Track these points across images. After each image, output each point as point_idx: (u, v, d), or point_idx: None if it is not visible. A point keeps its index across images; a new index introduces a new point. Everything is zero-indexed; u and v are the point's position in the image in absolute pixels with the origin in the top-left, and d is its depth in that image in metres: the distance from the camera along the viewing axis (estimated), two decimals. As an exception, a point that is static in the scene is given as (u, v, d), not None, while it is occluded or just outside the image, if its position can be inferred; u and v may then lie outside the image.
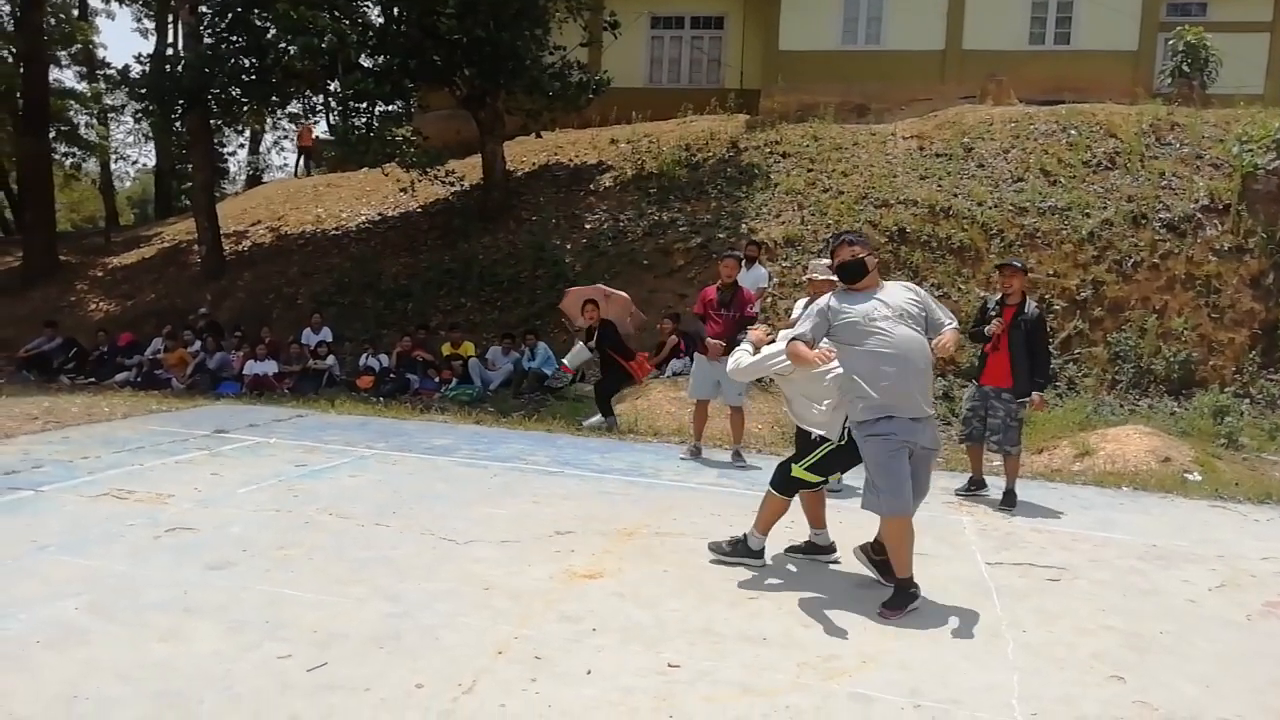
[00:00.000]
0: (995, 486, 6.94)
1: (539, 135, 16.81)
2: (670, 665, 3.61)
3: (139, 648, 3.57)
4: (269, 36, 14.53)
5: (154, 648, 3.57)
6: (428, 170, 14.83)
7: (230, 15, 15.01)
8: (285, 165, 30.16)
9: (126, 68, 15.36)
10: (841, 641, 3.93)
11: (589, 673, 3.50)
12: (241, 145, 32.35)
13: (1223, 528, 6.32)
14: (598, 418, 9.35)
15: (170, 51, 21.12)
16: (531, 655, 3.62)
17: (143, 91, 15.08)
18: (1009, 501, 6.60)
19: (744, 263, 10.71)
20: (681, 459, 7.93)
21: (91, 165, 29.21)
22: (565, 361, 10.21)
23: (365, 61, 15.00)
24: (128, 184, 46.03)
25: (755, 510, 4.96)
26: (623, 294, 10.61)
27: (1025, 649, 3.95)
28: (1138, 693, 3.56)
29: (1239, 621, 4.47)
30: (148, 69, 15.25)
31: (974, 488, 6.93)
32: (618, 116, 17.80)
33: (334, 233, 17.46)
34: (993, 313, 6.66)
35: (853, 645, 3.89)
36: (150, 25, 28.29)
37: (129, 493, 5.87)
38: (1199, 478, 7.73)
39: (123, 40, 67.83)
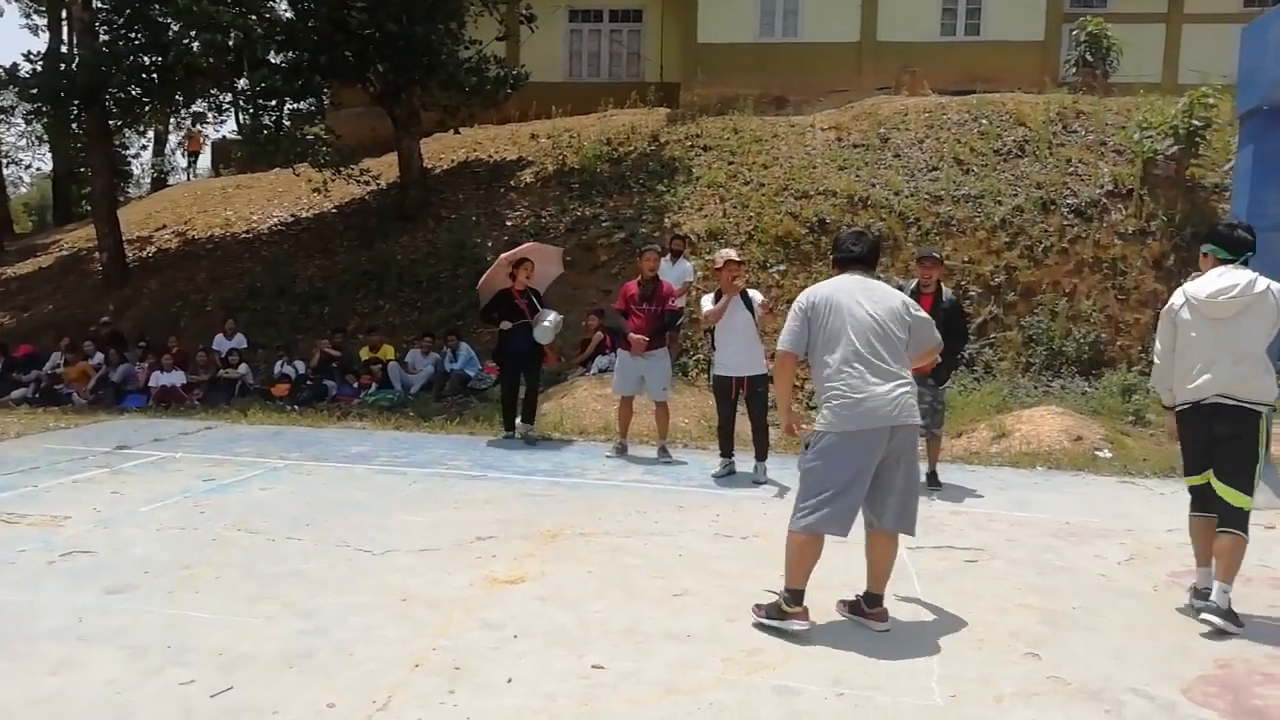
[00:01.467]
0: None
1: (457, 131, 16.52)
2: (594, 667, 3.55)
3: (28, 681, 3.35)
4: (170, 32, 13.95)
5: (45, 680, 3.35)
6: (341, 169, 14.45)
7: (128, 10, 14.37)
8: (189, 167, 28.99)
9: (14, 66, 14.56)
10: (766, 635, 3.91)
11: (510, 681, 3.42)
12: (144, 147, 31.12)
13: (1131, 502, 6.53)
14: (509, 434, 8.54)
15: (64, 49, 20.06)
16: (450, 666, 3.52)
17: (34, 91, 14.33)
18: (933, 482, 6.76)
19: (669, 257, 10.73)
20: (607, 457, 7.87)
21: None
22: (539, 339, 8.34)
23: (274, 57, 14.52)
24: (23, 190, 43.88)
25: (679, 505, 4.89)
26: (551, 247, 9.83)
27: (944, 631, 4.00)
28: (1052, 668, 3.63)
29: (1146, 593, 4.61)
30: (38, 67, 14.47)
31: None
32: (538, 111, 17.63)
33: (245, 236, 16.89)
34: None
35: (776, 639, 3.88)
36: (41, 22, 26.94)
37: (20, 516, 5.55)
38: (1109, 455, 7.98)
39: (13, 38, 64.46)
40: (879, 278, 4.37)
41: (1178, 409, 4.35)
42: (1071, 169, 12.46)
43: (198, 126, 24.50)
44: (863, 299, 4.06)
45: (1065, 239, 11.58)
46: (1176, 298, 4.37)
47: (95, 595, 4.22)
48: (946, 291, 6.85)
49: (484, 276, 8.79)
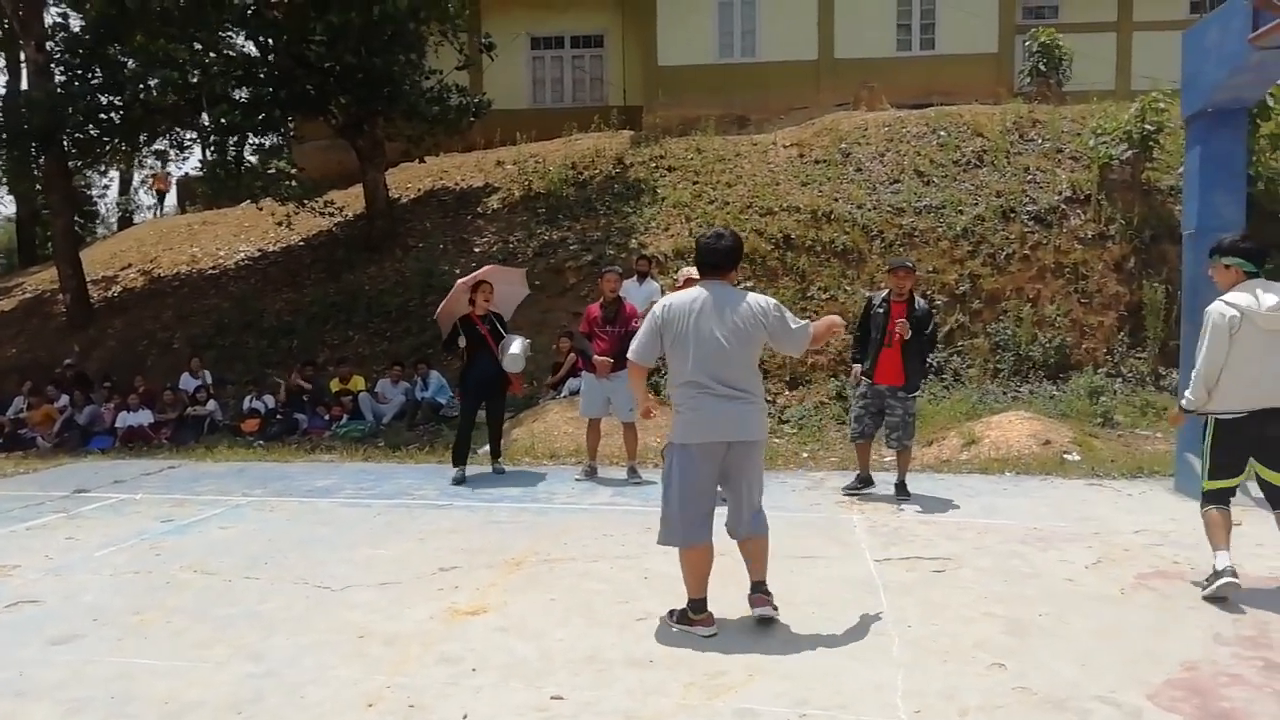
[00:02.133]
0: (882, 481, 7.05)
1: (422, 161, 16.48)
2: (553, 699, 3.47)
3: (-39, 741, 3.24)
4: (126, 71, 13.85)
5: (-22, 739, 3.24)
6: (305, 202, 14.36)
7: (82, 50, 14.27)
8: (153, 205, 28.73)
9: (-33, 109, 14.40)
10: (729, 656, 3.85)
11: (465, 717, 3.33)
12: (106, 187, 30.84)
13: (1099, 505, 6.54)
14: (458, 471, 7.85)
15: (22, 89, 19.87)
16: (405, 704, 3.43)
17: (-11, 135, 14.17)
18: (902, 492, 6.76)
19: (636, 278, 10.73)
20: (577, 480, 7.80)
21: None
22: (508, 367, 7.79)
23: (236, 93, 14.45)
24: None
25: (647, 527, 4.81)
26: (512, 269, 9.31)
27: (910, 644, 3.96)
28: (1017, 678, 3.59)
29: (1114, 596, 4.59)
30: (-8, 110, 14.32)
31: (862, 485, 7.02)
32: (502, 138, 17.62)
33: (211, 272, 16.74)
34: (879, 309, 6.71)
35: (740, 659, 3.82)
36: (-3, 63, 26.66)
37: (-33, 567, 5.41)
38: (1078, 457, 8.01)
39: (-23, 83, 63.68)
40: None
41: (1225, 417, 4.52)
42: (1030, 177, 12.60)
43: (164, 167, 24.29)
44: (713, 314, 4.09)
45: (1027, 246, 11.68)
46: (1229, 310, 4.47)
47: (39, 647, 4.09)
48: (919, 300, 6.84)
49: (442, 304, 8.24)
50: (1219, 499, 4.62)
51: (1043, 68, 15.66)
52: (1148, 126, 11.85)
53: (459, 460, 7.88)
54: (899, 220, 12.27)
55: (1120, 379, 10.29)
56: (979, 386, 10.36)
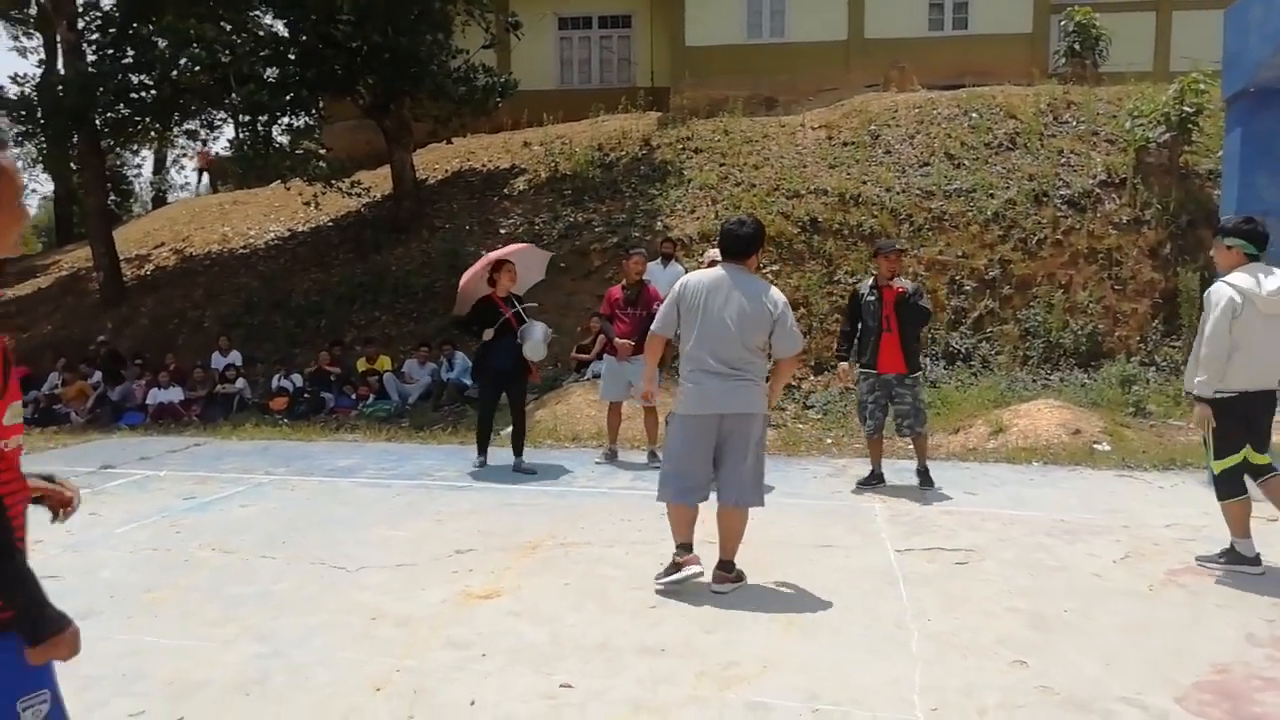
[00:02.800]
0: (892, 471, 6.93)
1: (449, 141, 16.48)
2: (562, 686, 3.43)
3: (-27, 716, 3.25)
4: (156, 50, 13.93)
5: (-11, 715, 3.25)
6: (333, 183, 14.39)
7: (114, 30, 14.36)
8: (187, 184, 29.00)
9: (1, 88, 14.56)
10: (743, 647, 3.78)
11: (472, 703, 3.30)
12: (139, 165, 31.17)
13: (1129, 497, 6.38)
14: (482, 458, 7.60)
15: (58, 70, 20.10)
16: (411, 689, 3.40)
17: (22, 113, 14.31)
18: (926, 481, 6.61)
19: (660, 260, 10.63)
20: (597, 464, 7.76)
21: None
22: (529, 355, 7.41)
23: (264, 73, 14.49)
24: (33, 212, 44.08)
25: (665, 513, 4.77)
26: (539, 250, 8.89)
27: (929, 638, 3.86)
28: (1039, 676, 3.49)
29: (1142, 592, 4.46)
30: (26, 89, 14.46)
31: (876, 481, 6.74)
32: (529, 119, 17.54)
33: (242, 251, 16.86)
34: (870, 297, 6.50)
35: (754, 650, 3.75)
36: (30, 43, 26.99)
37: (-9, 542, 5.45)
38: (1108, 448, 7.83)
39: (10, 62, 64.59)
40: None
41: (1224, 396, 4.54)
42: (1064, 160, 12.31)
43: (204, 145, 24.45)
44: (725, 298, 4.36)
45: (1059, 230, 11.42)
46: (1231, 293, 4.48)
47: (55, 623, 4.11)
48: (908, 282, 6.64)
49: (462, 281, 7.82)
50: (1235, 484, 4.65)
51: (1078, 48, 15.27)
52: (1186, 108, 11.52)
53: (483, 448, 7.63)
54: (928, 204, 12.05)
55: (1153, 368, 10.05)
56: (1008, 374, 10.17)
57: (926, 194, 12.16)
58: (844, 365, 6.81)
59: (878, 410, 6.62)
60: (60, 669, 3.58)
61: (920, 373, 6.66)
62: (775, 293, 4.43)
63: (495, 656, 3.69)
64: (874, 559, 4.98)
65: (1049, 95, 13.58)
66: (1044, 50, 17.36)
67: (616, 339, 7.63)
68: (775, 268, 11.79)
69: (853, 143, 13.62)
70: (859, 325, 6.62)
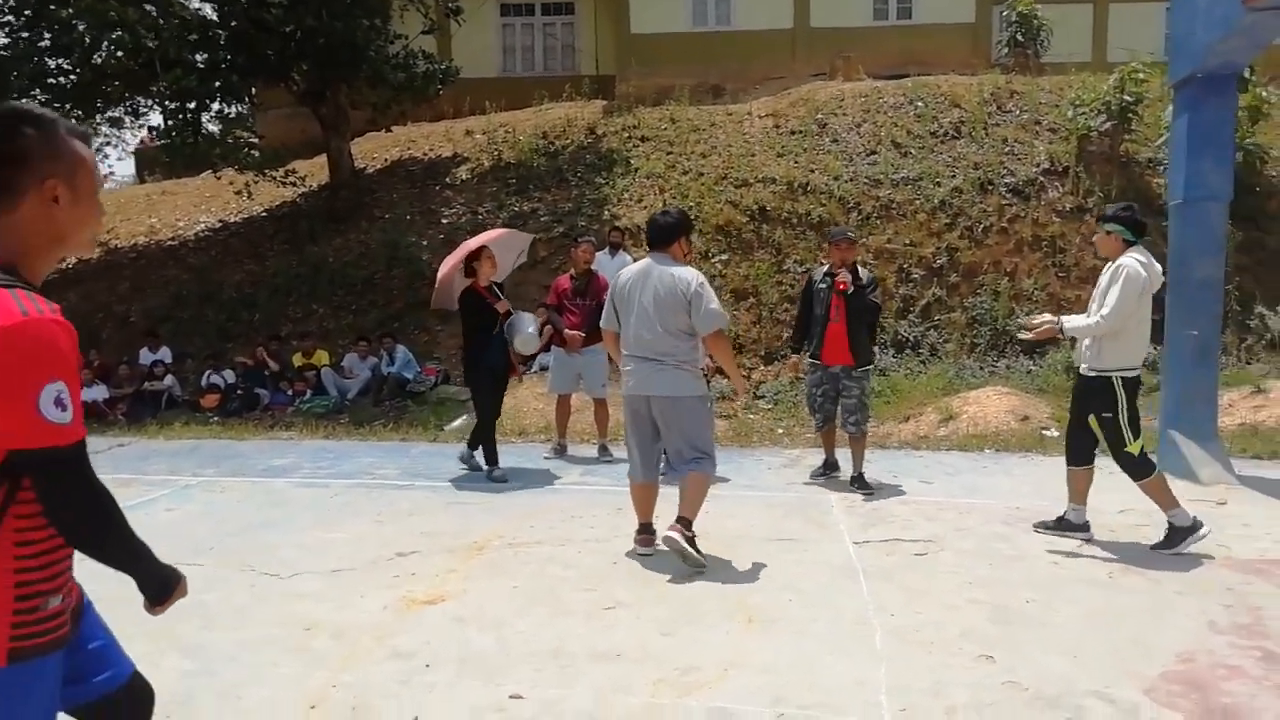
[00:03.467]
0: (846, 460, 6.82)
1: (389, 130, 16.05)
2: (511, 698, 3.22)
3: None
4: (76, 34, 13.23)
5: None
6: (266, 172, 13.87)
7: (28, 11, 13.61)
8: (112, 174, 27.82)
9: (-94, 72, 13.70)
10: (702, 648, 3.62)
11: (416, 719, 3.08)
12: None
13: (1081, 483, 6.36)
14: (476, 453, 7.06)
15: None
16: (349, 706, 3.16)
17: (-71, 98, 13.52)
18: (861, 485, 6.19)
19: (608, 250, 10.43)
20: (545, 458, 7.54)
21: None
22: (521, 349, 7.03)
23: (192, 58, 13.87)
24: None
25: (618, 508, 4.60)
26: (505, 230, 8.32)
27: (893, 634, 3.75)
28: (1006, 672, 3.39)
29: (1101, 580, 4.41)
30: (-68, 73, 13.65)
31: (828, 470, 6.57)
32: (472, 107, 17.16)
33: (170, 243, 16.20)
34: (821, 284, 6.23)
35: (714, 652, 3.59)
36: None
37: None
38: (1056, 434, 7.85)
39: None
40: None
41: (1132, 374, 4.78)
42: (1008, 148, 12.40)
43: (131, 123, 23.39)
44: (647, 286, 4.63)
45: (1005, 218, 11.49)
46: (1141, 270, 4.61)
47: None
48: (864, 271, 6.29)
49: (440, 273, 7.25)
50: (1148, 461, 4.90)
51: (1020, 38, 15.43)
52: (1126, 98, 11.69)
53: (494, 456, 6.84)
54: (876, 192, 12.03)
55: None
56: (956, 361, 10.20)
57: (874, 182, 12.15)
58: (795, 357, 6.68)
59: (826, 402, 6.33)
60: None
61: (870, 367, 6.34)
62: (690, 274, 4.60)
63: (440, 667, 3.47)
64: (832, 552, 4.86)
65: (992, 85, 13.68)
66: (987, 40, 17.52)
67: (566, 330, 7.41)
68: (724, 257, 11.67)
69: (800, 131, 13.56)
70: (811, 313, 6.33)
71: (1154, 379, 9.20)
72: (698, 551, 4.55)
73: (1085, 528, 5.08)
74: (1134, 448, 4.78)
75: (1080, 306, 10.70)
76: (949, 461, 7.17)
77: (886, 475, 6.59)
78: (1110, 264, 4.76)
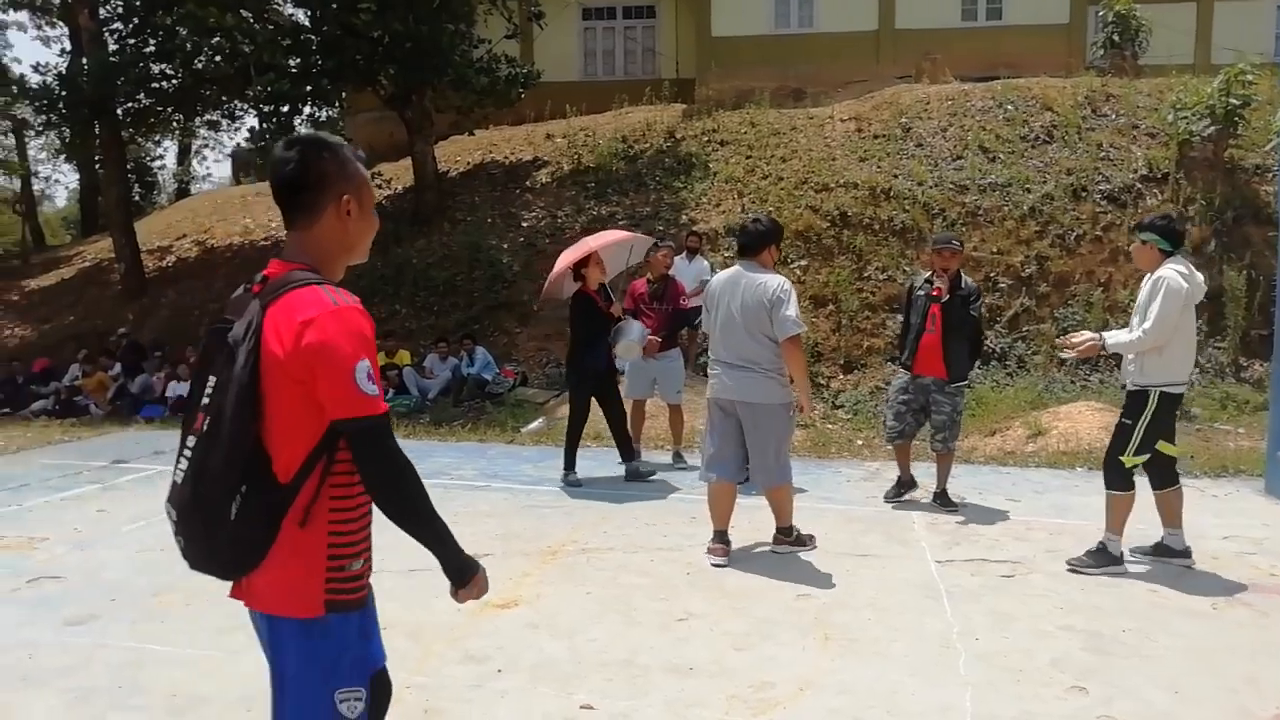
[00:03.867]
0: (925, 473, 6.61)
1: (471, 133, 16.29)
2: (583, 708, 3.20)
3: (-41, 731, 3.07)
4: (178, 40, 13.80)
5: (-25, 730, 3.06)
6: (353, 174, 14.21)
7: (135, 19, 14.25)
8: (210, 175, 28.98)
9: (22, 78, 14.49)
10: (777, 666, 3.54)
11: (487, 725, 3.07)
12: (160, 157, 31.22)
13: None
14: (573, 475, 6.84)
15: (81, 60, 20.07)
16: (421, 708, 3.18)
17: (43, 103, 14.24)
18: (945, 502, 5.97)
19: (686, 254, 10.37)
20: (620, 464, 7.50)
21: (10, 183, 27.93)
22: (620, 355, 6.79)
23: (285, 63, 14.33)
24: (61, 203, 44.40)
25: (692, 516, 4.57)
26: (626, 234, 8.03)
27: (979, 659, 3.60)
28: (1101, 704, 3.22)
29: (1205, 611, 4.17)
30: (47, 79, 14.39)
31: (904, 490, 6.20)
32: (553, 111, 17.31)
33: (263, 244, 16.74)
34: (920, 292, 5.98)
35: (789, 670, 3.50)
36: (53, 33, 27.07)
37: (-5, 539, 5.30)
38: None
39: (41, 53, 64.96)
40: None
41: (1175, 390, 4.60)
42: (1103, 154, 11.92)
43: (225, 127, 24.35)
44: (734, 292, 4.74)
45: (1098, 226, 11.05)
46: (1183, 282, 4.46)
47: (52, 628, 3.93)
48: (968, 281, 6.05)
49: (554, 270, 7.14)
50: (1130, 478, 4.72)
51: (1117, 39, 14.84)
52: (1233, 100, 11.11)
53: (571, 464, 6.84)
54: (962, 198, 11.70)
55: (1198, 369, 9.66)
56: (1045, 374, 9.84)
57: (960, 188, 11.82)
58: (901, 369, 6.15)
59: (908, 414, 5.94)
60: (55, 679, 3.41)
61: (965, 384, 6.04)
62: (775, 281, 4.68)
63: (513, 673, 3.46)
64: (914, 571, 4.71)
65: (1087, 87, 13.18)
66: (1081, 42, 16.91)
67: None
68: (803, 263, 11.50)
69: (883, 135, 13.28)
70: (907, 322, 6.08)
71: (1261, 397, 8.74)
72: (804, 543, 5.02)
73: (1186, 553, 4.83)
74: (1128, 460, 4.65)
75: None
76: (1037, 479, 6.90)
77: (971, 492, 6.37)
78: (1149, 276, 4.58)
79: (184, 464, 1.79)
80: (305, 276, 1.80)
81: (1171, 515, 4.87)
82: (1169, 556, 4.83)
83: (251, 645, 3.67)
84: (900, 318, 6.41)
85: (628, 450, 7.01)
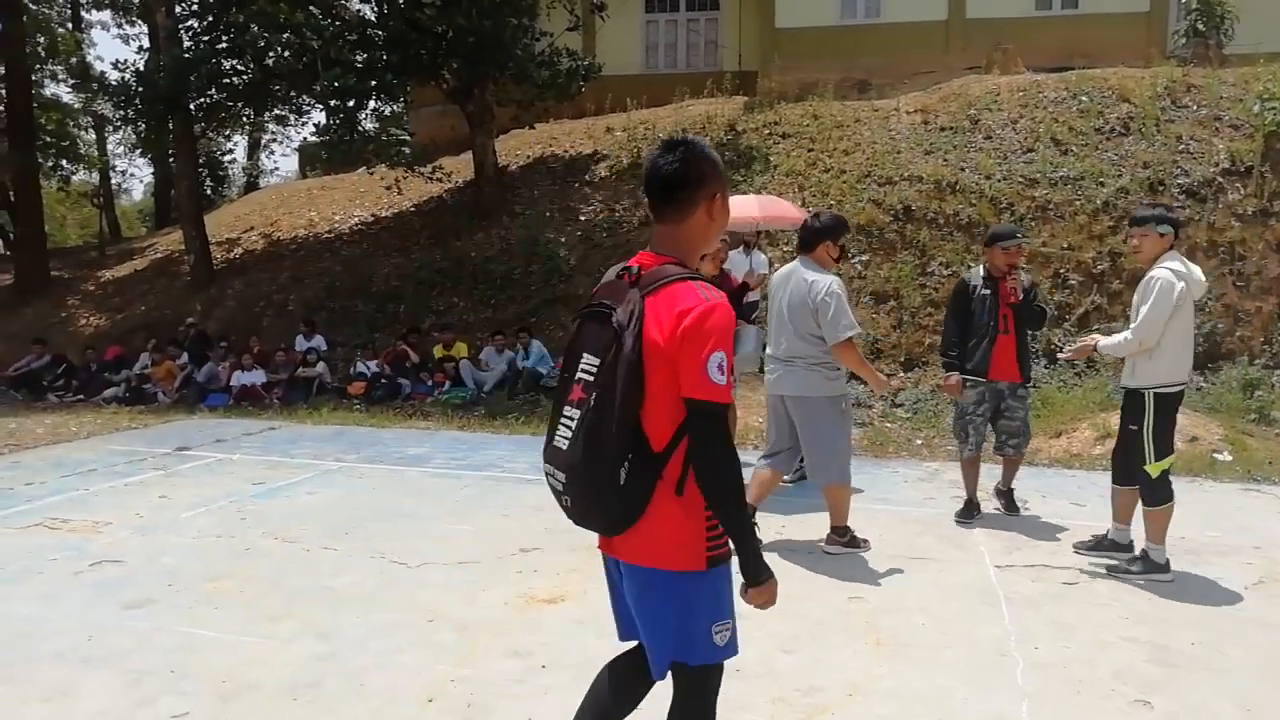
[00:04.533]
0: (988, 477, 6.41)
1: (532, 127, 16.36)
2: (626, 707, 3.15)
3: (17, 710, 3.14)
4: (249, 36, 14.13)
5: (34, 709, 3.14)
6: (414, 168, 14.41)
7: (209, 16, 14.62)
8: (277, 169, 29.76)
9: (103, 75, 15.00)
10: (826, 670, 3.45)
11: (529, 721, 3.05)
12: (230, 151, 32.07)
13: (1258, 514, 5.78)
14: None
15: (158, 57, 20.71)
16: (465, 702, 3.17)
17: (122, 99, 14.72)
18: (1009, 504, 5.76)
19: (743, 249, 10.25)
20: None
21: (90, 177, 28.97)
22: (739, 368, 6.40)
23: (351, 58, 14.57)
24: (138, 196, 45.98)
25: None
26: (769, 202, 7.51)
27: (1037, 669, 3.46)
28: (1167, 721, 3.07)
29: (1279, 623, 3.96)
30: (126, 76, 14.87)
31: (975, 513, 5.66)
32: (613, 104, 17.28)
33: (326, 236, 17.07)
34: (985, 290, 5.54)
35: (839, 674, 3.41)
36: (132, 30, 28.00)
37: (63, 522, 5.47)
38: (1229, 457, 7.19)
39: (121, 51, 67.27)
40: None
41: (1173, 390, 4.43)
42: (1182, 147, 11.44)
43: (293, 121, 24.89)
44: (786, 289, 4.78)
45: (1177, 222, 10.60)
46: (1176, 280, 4.33)
47: (112, 610, 4.03)
48: (1024, 276, 5.75)
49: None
50: (1169, 487, 4.52)
51: (1200, 27, 14.23)
52: (1325, 90, 10.57)
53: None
54: (1031, 192, 11.35)
55: (1279, 371, 9.25)
56: (1115, 374, 9.47)
57: (1030, 182, 11.46)
58: (956, 377, 5.51)
59: (984, 425, 5.55)
60: (113, 662, 3.50)
61: (1031, 384, 5.87)
62: (823, 281, 4.61)
63: (556, 670, 3.43)
64: (972, 575, 4.56)
65: (1167, 78, 12.66)
66: (1161, 30, 16.26)
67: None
68: (864, 257, 11.29)
69: (950, 128, 12.96)
70: (968, 323, 5.56)
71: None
72: (857, 545, 4.92)
73: (1129, 548, 4.77)
74: (1154, 468, 4.46)
75: (1260, 319, 9.81)
76: (1104, 483, 6.55)
77: (1034, 495, 6.18)
78: (1145, 274, 4.47)
79: (564, 430, 2.03)
80: (679, 271, 2.01)
81: (1125, 514, 4.84)
82: (1111, 552, 4.82)
83: (302, 632, 3.75)
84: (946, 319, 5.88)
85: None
